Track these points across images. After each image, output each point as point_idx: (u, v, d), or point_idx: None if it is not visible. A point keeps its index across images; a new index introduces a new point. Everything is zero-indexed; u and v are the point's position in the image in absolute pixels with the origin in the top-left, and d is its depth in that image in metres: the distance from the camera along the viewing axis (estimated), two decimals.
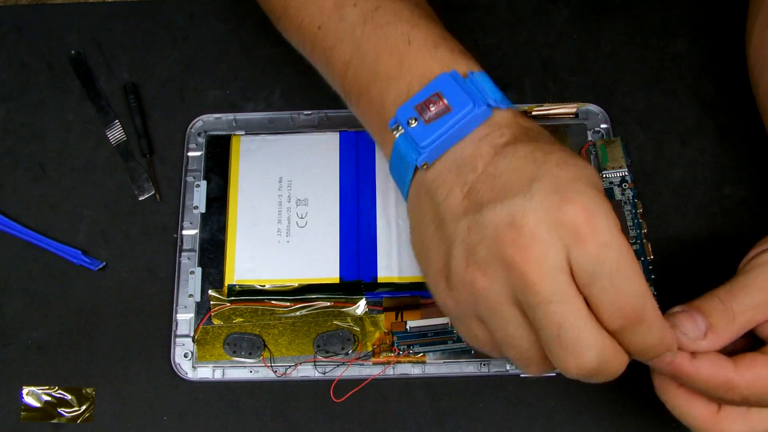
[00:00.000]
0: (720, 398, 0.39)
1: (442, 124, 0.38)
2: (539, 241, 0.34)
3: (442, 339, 0.48)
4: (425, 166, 0.39)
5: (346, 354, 0.49)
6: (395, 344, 0.49)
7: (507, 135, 0.38)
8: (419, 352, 0.49)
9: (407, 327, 0.48)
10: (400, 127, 0.40)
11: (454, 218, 0.37)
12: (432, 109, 0.39)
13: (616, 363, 0.36)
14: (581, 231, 0.34)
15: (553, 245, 0.34)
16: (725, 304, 0.39)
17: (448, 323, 0.49)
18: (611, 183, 0.52)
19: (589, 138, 0.54)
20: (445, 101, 0.39)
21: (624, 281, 0.34)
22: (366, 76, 0.42)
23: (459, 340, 0.48)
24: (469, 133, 0.38)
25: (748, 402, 0.39)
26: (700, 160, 0.54)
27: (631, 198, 0.51)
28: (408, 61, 0.41)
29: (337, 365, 0.49)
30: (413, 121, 0.39)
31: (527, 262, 0.34)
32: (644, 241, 0.50)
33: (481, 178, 0.37)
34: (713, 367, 0.38)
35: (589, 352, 0.35)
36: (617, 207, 0.51)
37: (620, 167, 0.52)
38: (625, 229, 0.50)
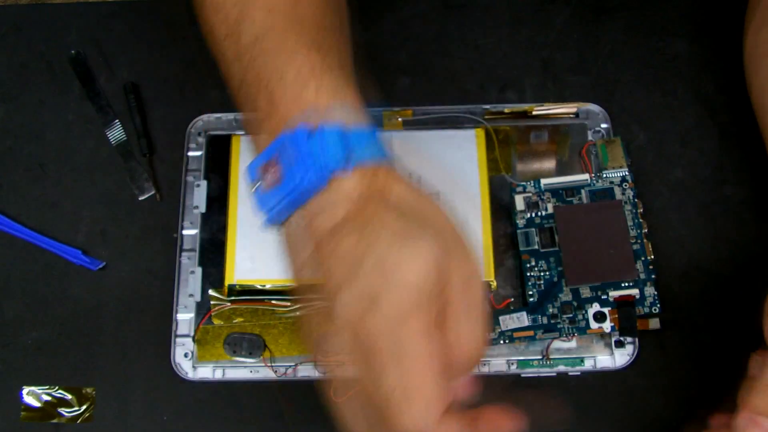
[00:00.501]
0: None
1: (275, 195, 0.36)
2: (337, 348, 0.34)
3: None
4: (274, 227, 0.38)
5: None
6: None
7: (340, 213, 0.35)
8: None
9: None
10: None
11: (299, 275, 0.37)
12: (268, 177, 0.37)
13: None
14: (373, 347, 0.33)
15: (349, 355, 0.34)
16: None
17: None
18: (611, 183, 0.52)
19: (590, 138, 0.54)
20: (279, 169, 0.36)
21: (402, 406, 0.33)
22: (248, 113, 0.40)
23: None
24: (307, 201, 0.36)
25: None
26: (700, 160, 0.54)
27: (631, 198, 0.51)
28: (276, 102, 0.38)
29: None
30: (254, 185, 0.37)
31: (325, 363, 0.35)
32: (644, 241, 0.50)
33: (308, 261, 0.36)
34: None
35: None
36: (617, 207, 0.51)
37: (620, 167, 0.52)
38: (625, 229, 0.50)
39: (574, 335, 0.48)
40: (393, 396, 0.33)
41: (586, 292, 0.49)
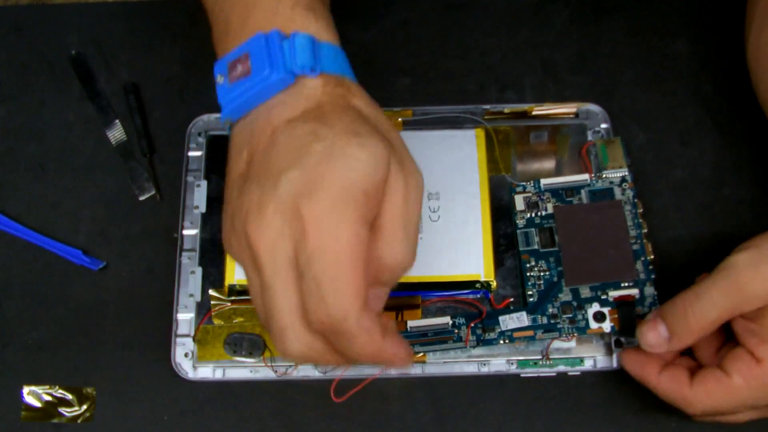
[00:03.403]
0: (683, 411, 0.43)
1: (240, 86, 0.38)
2: (272, 229, 0.35)
3: (442, 339, 0.49)
4: (228, 122, 0.40)
5: None
6: None
7: (300, 108, 0.37)
8: (419, 352, 0.49)
9: (407, 327, 0.48)
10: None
11: (233, 182, 0.38)
12: (238, 69, 0.38)
13: (325, 359, 0.37)
14: (307, 230, 0.34)
15: (283, 236, 0.35)
16: (686, 310, 0.42)
17: (448, 323, 0.49)
18: (611, 183, 0.52)
19: (589, 138, 0.54)
20: (248, 64, 0.38)
21: (328, 289, 0.34)
22: (220, 26, 0.42)
23: (459, 339, 0.48)
24: (269, 98, 0.38)
25: (705, 415, 0.43)
26: (700, 160, 0.54)
27: (631, 198, 0.51)
28: (252, 16, 0.40)
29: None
30: (221, 78, 0.39)
31: (259, 245, 0.35)
32: (644, 241, 0.50)
33: (260, 150, 0.37)
34: (672, 383, 0.43)
35: (292, 343, 0.36)
36: (617, 207, 0.51)
37: (620, 167, 0.52)
38: (625, 229, 0.50)
39: (573, 335, 0.48)
40: (323, 278, 0.34)
41: (585, 292, 0.49)
